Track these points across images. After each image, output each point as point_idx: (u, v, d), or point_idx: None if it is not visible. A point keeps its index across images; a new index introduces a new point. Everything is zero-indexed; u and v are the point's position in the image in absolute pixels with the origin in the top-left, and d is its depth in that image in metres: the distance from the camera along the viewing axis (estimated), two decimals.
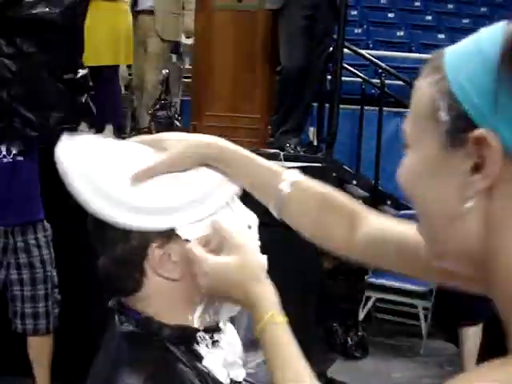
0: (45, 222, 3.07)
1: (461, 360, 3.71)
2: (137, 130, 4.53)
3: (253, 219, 1.00)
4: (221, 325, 1.01)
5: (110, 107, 4.22)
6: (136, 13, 4.62)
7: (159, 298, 0.96)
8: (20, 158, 2.96)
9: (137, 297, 0.97)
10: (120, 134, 4.29)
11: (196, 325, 0.97)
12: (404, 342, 4.71)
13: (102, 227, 0.95)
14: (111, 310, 1.02)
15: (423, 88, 0.68)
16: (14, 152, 2.94)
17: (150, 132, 3.64)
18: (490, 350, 3.25)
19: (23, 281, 2.99)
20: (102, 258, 0.98)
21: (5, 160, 2.92)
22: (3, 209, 2.93)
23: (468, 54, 0.65)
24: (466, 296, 3.41)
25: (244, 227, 0.98)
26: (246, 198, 1.01)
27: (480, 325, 3.56)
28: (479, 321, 3.56)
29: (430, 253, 0.72)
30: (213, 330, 0.99)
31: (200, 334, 0.97)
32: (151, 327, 0.96)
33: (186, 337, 0.96)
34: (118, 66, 4.52)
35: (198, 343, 0.97)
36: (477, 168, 0.62)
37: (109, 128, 4.11)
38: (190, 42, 4.65)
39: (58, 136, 0.99)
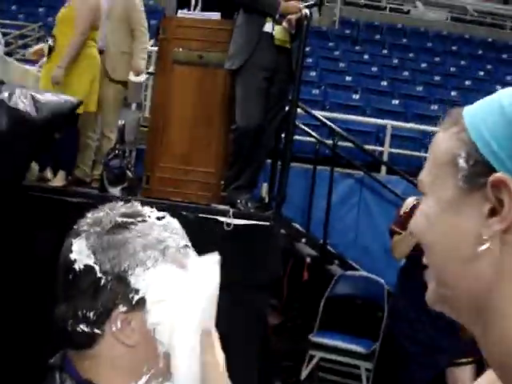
0: None
1: None
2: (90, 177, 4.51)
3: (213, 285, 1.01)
4: None
5: (68, 153, 4.20)
6: None
7: (109, 360, 0.99)
8: None
9: (86, 354, 0.99)
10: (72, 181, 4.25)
11: None
12: None
13: (74, 278, 0.97)
14: (51, 368, 1.03)
15: (442, 139, 0.73)
16: None
17: (101, 181, 3.64)
18: None
19: None
20: (62, 307, 0.98)
21: None
22: None
23: (488, 108, 0.70)
24: (405, 361, 3.47)
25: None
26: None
27: None
28: None
29: (434, 296, 0.74)
30: None
31: None
32: None
33: None
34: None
35: None
36: (493, 211, 0.65)
37: (61, 174, 4.05)
38: (139, 79, 4.62)
39: None
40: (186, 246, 1.02)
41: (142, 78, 4.61)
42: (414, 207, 3.47)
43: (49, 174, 4.14)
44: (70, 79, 4.17)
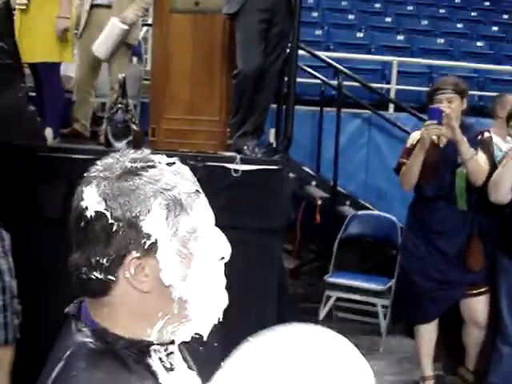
0: (2, 230, 2.99)
1: (418, 356, 3.79)
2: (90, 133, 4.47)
3: (226, 250, 1.04)
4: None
5: (49, 109, 4.04)
6: (91, 6, 4.41)
7: (124, 306, 0.99)
8: None
9: (102, 301, 1.00)
10: (62, 137, 4.21)
11: (152, 338, 1.01)
12: (364, 340, 4.77)
13: (86, 225, 0.97)
14: (67, 316, 1.04)
15: None
16: None
17: (106, 136, 3.63)
18: (445, 346, 3.35)
19: None
20: (76, 255, 0.99)
21: None
22: None
23: None
24: (419, 296, 3.51)
25: (216, 259, 1.02)
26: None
27: (435, 321, 3.64)
28: (431, 319, 3.63)
29: None
30: (167, 343, 1.03)
31: (154, 346, 1.01)
32: (106, 338, 0.99)
33: (141, 349, 1.00)
34: (57, 63, 4.22)
35: (151, 356, 1.01)
36: None
37: (48, 131, 3.91)
38: (118, 26, 4.23)
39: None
40: (197, 191, 1.01)
41: (122, 27, 4.29)
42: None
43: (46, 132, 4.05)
44: (39, 26, 3.93)
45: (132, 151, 1.04)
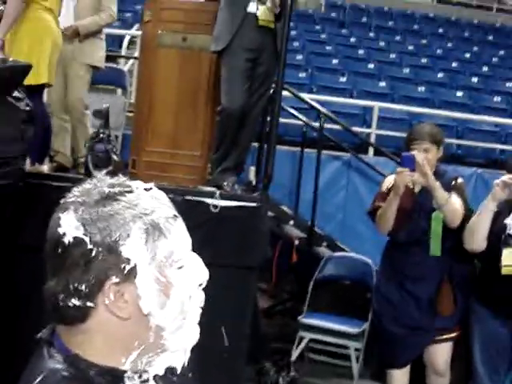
0: None
1: None
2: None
3: (204, 276, 1.03)
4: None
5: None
6: None
7: (100, 333, 0.98)
8: None
9: (78, 328, 0.98)
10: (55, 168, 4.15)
11: (126, 367, 0.99)
12: (335, 382, 4.74)
13: (63, 252, 0.95)
14: (39, 342, 1.02)
15: None
16: None
17: (86, 165, 3.62)
18: None
19: None
20: (52, 283, 0.97)
21: None
22: None
23: None
24: (390, 341, 3.50)
25: (193, 286, 1.02)
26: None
27: (407, 367, 3.62)
28: (402, 365, 3.61)
29: None
30: (141, 371, 1.01)
31: (128, 373, 1.00)
32: (79, 365, 0.97)
33: (114, 378, 0.98)
34: (42, 87, 4.02)
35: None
36: None
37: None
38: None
39: None
40: (175, 216, 1.01)
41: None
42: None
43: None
44: (10, 47, 3.77)
45: (109, 177, 1.03)
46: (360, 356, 4.69)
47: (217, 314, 3.39)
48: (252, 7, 3.78)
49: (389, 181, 3.61)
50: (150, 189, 1.02)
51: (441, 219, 3.41)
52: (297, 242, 5.22)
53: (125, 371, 0.99)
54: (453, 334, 3.56)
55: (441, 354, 3.57)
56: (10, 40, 3.79)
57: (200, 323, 1.05)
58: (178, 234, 1.00)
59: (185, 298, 1.01)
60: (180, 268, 1.00)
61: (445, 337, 3.54)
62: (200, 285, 1.03)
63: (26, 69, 3.25)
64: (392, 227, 3.50)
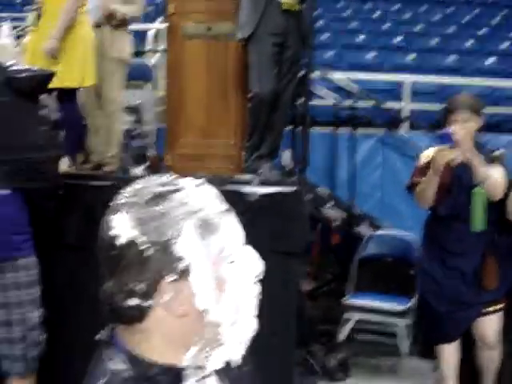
0: (30, 259, 2.96)
1: (440, 377, 3.73)
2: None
3: (258, 269, 1.04)
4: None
5: (67, 136, 3.90)
6: None
7: (158, 332, 0.99)
8: (2, 193, 2.89)
9: (136, 328, 0.99)
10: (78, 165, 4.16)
11: (186, 364, 1.00)
12: (385, 361, 4.73)
13: (118, 253, 0.96)
14: (98, 344, 1.04)
15: None
16: None
17: (123, 162, 3.65)
18: (469, 366, 3.28)
19: None
20: (109, 284, 0.98)
21: None
22: None
23: None
24: (436, 318, 3.46)
25: (248, 280, 1.02)
26: None
27: (456, 342, 3.59)
28: (450, 340, 3.58)
29: None
30: (201, 367, 1.02)
31: (187, 370, 1.01)
32: (139, 365, 0.98)
33: (175, 375, 0.99)
34: (76, 89, 4.07)
35: (185, 381, 1.00)
36: None
37: (65, 160, 3.85)
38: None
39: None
40: (226, 210, 1.02)
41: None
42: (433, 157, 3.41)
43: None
44: (63, 51, 3.83)
45: (155, 177, 1.04)
46: (407, 333, 4.66)
47: (263, 300, 3.41)
48: None
49: (426, 155, 3.55)
50: (200, 185, 1.02)
51: (482, 194, 3.35)
52: (336, 224, 5.20)
53: (184, 368, 1.00)
54: (501, 305, 3.52)
55: (489, 325, 3.52)
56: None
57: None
58: (229, 229, 1.01)
59: (239, 292, 1.01)
60: (232, 262, 1.01)
61: (492, 308, 3.50)
62: (255, 277, 1.03)
63: (50, 76, 3.28)
64: (432, 202, 3.46)
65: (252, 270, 1.03)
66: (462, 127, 3.34)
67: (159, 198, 0.98)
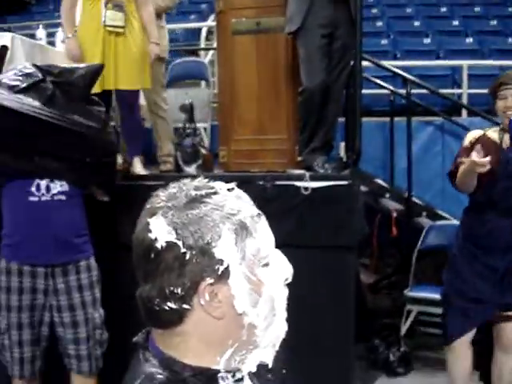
0: (91, 260, 3.04)
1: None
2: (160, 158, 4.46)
3: (289, 272, 1.05)
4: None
5: (136, 137, 3.98)
6: None
7: (196, 334, 0.99)
8: (61, 197, 2.94)
9: (173, 330, 1.00)
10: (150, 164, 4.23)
11: (221, 367, 1.01)
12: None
13: (156, 257, 0.97)
14: (135, 347, 1.05)
15: None
16: (53, 191, 2.92)
17: (176, 160, 3.68)
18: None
19: (64, 323, 2.98)
20: (146, 287, 0.99)
21: (43, 198, 2.90)
22: (42, 248, 2.90)
23: None
24: (457, 310, 3.20)
25: (280, 283, 1.04)
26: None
27: (467, 340, 3.35)
28: (464, 332, 3.34)
29: None
30: (235, 370, 1.03)
31: (222, 374, 1.01)
32: (173, 368, 0.99)
33: (208, 378, 1.00)
34: (138, 91, 4.02)
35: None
36: None
37: (137, 160, 3.93)
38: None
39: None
40: (259, 214, 1.03)
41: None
42: (480, 138, 3.20)
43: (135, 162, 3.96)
44: (131, 52, 3.77)
45: (189, 179, 1.05)
46: None
47: (319, 297, 3.39)
48: None
49: (472, 135, 3.31)
50: (233, 189, 1.03)
51: None
52: (395, 215, 5.11)
53: (218, 371, 1.01)
54: None
55: (510, 330, 3.28)
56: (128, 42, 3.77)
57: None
58: (264, 232, 1.02)
59: (274, 295, 1.02)
60: (266, 265, 1.01)
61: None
62: (286, 280, 1.04)
63: (100, 69, 3.23)
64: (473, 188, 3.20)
65: (284, 273, 1.04)
66: None
67: (196, 201, 0.99)
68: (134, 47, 3.78)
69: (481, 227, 3.24)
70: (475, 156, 2.94)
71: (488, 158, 2.92)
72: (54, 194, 2.93)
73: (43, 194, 2.91)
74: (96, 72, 3.13)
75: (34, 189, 2.91)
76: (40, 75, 2.90)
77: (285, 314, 1.04)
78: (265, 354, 1.03)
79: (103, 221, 3.41)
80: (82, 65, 3.19)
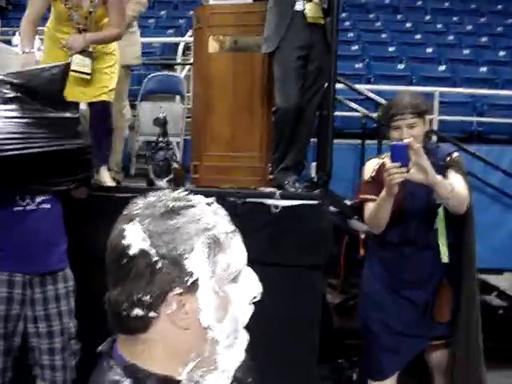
0: (67, 271, 3.00)
1: None
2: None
3: (258, 290, 1.06)
4: None
5: (102, 146, 3.88)
6: None
7: (160, 343, 1.00)
8: (45, 206, 2.91)
9: (139, 338, 1.00)
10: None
11: (182, 378, 1.01)
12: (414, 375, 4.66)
13: (128, 263, 0.98)
14: (100, 355, 1.06)
15: None
16: (38, 200, 2.89)
17: (148, 174, 3.68)
18: None
19: (40, 333, 2.93)
20: (114, 292, 1.00)
21: (28, 208, 2.87)
22: (21, 258, 2.86)
23: None
24: (378, 349, 3.12)
25: (247, 301, 1.05)
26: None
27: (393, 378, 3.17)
28: (388, 375, 3.14)
29: None
30: (196, 382, 1.03)
31: (183, 382, 1.02)
32: (137, 375, 1.00)
33: None
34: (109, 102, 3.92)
35: None
36: None
37: (104, 169, 3.87)
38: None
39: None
40: (235, 230, 1.04)
41: None
42: (380, 169, 2.95)
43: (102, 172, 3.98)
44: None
45: (170, 190, 1.07)
46: None
47: (285, 314, 3.40)
48: (299, 5, 3.77)
49: (371, 166, 3.12)
50: (212, 203, 1.05)
51: (443, 217, 2.93)
52: (363, 236, 5.15)
53: (180, 381, 1.01)
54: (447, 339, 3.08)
55: (445, 353, 3.10)
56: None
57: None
58: (236, 249, 1.03)
59: (239, 315, 1.03)
60: (234, 281, 1.02)
61: (440, 342, 3.09)
62: (254, 298, 1.05)
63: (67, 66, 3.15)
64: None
65: (252, 291, 1.05)
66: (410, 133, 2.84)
67: (173, 212, 1.00)
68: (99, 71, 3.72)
69: (402, 263, 3.04)
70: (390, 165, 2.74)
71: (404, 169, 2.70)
72: (39, 203, 2.90)
73: (28, 204, 2.88)
74: (64, 72, 3.07)
75: (18, 198, 2.88)
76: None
77: (246, 339, 1.05)
78: (222, 380, 1.03)
79: (77, 232, 3.38)
80: (47, 65, 3.09)
